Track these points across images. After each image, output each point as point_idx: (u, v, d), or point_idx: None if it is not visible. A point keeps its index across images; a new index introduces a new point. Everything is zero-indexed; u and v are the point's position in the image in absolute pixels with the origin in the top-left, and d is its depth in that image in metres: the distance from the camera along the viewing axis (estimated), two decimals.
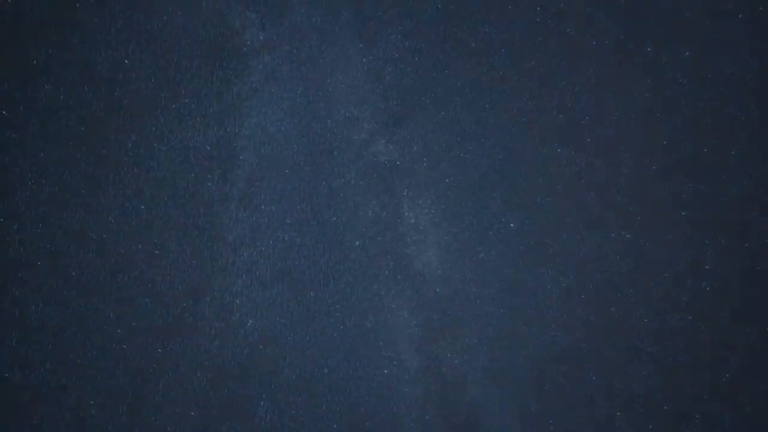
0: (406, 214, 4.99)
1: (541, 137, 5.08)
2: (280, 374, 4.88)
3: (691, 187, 4.84)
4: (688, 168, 4.86)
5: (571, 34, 4.77)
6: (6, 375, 4.17)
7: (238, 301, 4.78)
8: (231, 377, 4.72)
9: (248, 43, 4.52)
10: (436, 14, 4.69)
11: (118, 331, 4.40)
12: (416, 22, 4.68)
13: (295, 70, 4.52)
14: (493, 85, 4.95)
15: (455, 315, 5.33)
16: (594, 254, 5.11)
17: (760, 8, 4.60)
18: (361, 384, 5.16)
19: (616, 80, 4.89)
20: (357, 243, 4.99)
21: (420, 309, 5.23)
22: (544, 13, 4.77)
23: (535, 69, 4.93)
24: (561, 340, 5.20)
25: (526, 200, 5.16)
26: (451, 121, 4.95)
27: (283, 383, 4.91)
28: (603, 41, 4.75)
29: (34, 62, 4.02)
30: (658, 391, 5.00)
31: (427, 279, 5.18)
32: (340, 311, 5.03)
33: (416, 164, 4.92)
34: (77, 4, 3.96)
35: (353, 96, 4.73)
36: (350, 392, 5.12)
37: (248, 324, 4.76)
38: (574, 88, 4.87)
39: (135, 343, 4.49)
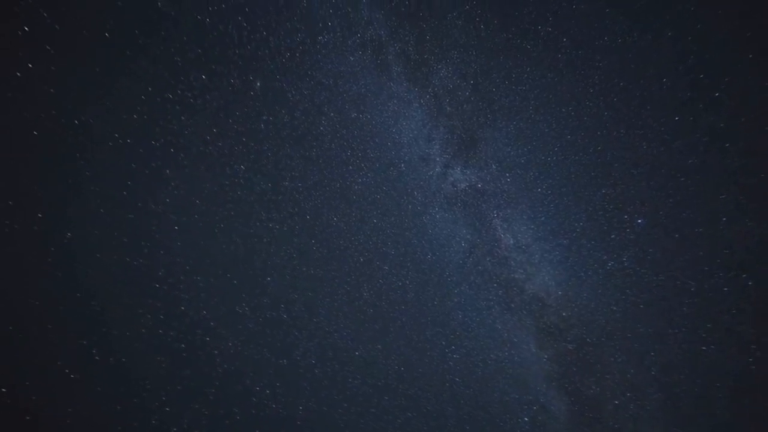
0: (503, 235, 4.62)
1: (647, 118, 4.28)
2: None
3: None
4: None
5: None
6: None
7: (357, 353, 4.98)
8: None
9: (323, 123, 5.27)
10: (479, 35, 4.68)
11: None
12: (462, 49, 4.75)
13: (364, 130, 4.99)
14: (567, 77, 4.51)
15: (597, 342, 4.41)
16: None
17: None
18: None
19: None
20: (457, 276, 4.77)
21: (549, 339, 4.52)
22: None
23: (618, 45, 4.34)
24: (761, 358, 3.74)
25: (648, 189, 4.26)
26: (527, 128, 4.61)
27: None
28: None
29: None
30: None
31: (548, 303, 4.51)
32: (457, 352, 4.72)
33: (499, 182, 4.64)
34: None
35: (420, 136, 4.90)
36: None
37: (365, 380, 4.85)
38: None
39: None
